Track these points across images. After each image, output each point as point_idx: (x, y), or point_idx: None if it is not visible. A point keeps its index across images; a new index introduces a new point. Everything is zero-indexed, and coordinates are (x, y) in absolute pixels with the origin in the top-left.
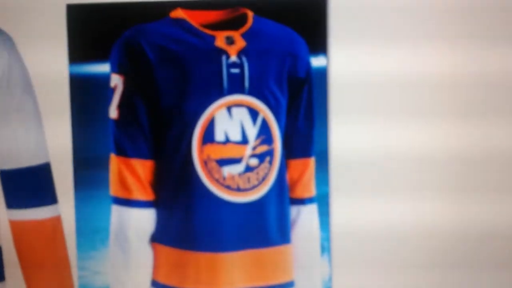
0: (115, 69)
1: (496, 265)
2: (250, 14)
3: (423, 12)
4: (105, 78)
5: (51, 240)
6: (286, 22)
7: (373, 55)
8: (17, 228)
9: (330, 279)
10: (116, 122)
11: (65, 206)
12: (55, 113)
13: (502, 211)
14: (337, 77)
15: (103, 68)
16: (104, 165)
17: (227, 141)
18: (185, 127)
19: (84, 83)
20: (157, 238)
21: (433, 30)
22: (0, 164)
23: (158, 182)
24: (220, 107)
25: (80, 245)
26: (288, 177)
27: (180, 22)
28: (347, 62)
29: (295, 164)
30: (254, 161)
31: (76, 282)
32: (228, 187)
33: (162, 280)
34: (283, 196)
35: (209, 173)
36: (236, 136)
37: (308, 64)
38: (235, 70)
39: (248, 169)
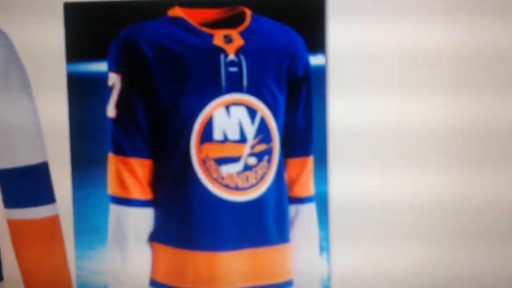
0: (113, 68)
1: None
2: (248, 13)
3: (422, 5)
4: (103, 77)
5: (49, 239)
6: (284, 20)
7: (372, 54)
8: (15, 227)
9: (328, 279)
10: (114, 121)
11: (63, 205)
12: (53, 112)
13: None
14: (335, 75)
15: (101, 67)
16: (102, 164)
17: (225, 140)
18: (183, 126)
19: (82, 82)
20: (155, 237)
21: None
22: None
23: (156, 181)
24: (218, 106)
25: (78, 244)
26: (286, 176)
27: (178, 20)
28: (345, 60)
29: (294, 163)
30: (252, 160)
31: (74, 281)
32: (226, 186)
33: (160, 279)
34: (282, 195)
35: (208, 172)
36: (234, 135)
37: (306, 62)
38: (233, 69)
39: (247, 168)
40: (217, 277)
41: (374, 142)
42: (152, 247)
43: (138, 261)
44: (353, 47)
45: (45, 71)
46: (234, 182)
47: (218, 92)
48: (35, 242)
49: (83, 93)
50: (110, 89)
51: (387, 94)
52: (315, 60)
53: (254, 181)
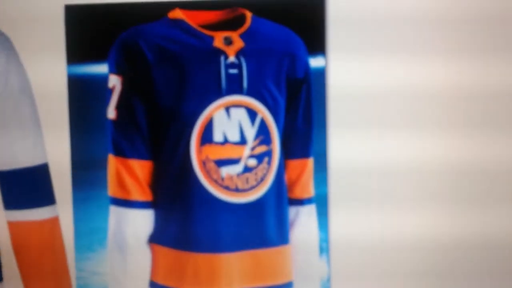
0: (113, 69)
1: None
2: (249, 15)
3: (423, 14)
4: (103, 79)
5: (49, 241)
6: (284, 22)
7: (371, 55)
8: (15, 229)
9: (328, 280)
10: (114, 122)
11: (63, 207)
12: (53, 114)
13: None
14: (335, 77)
15: (101, 68)
16: (102, 165)
17: (225, 141)
18: (183, 127)
19: (82, 84)
20: (155, 239)
21: (433, 37)
22: None
23: (156, 183)
24: (218, 107)
25: (78, 246)
26: (286, 177)
27: (178, 22)
28: (345, 62)
29: (294, 164)
30: (252, 162)
31: (74, 283)
32: (226, 188)
33: (160, 281)
34: (282, 196)
35: (208, 173)
36: (234, 136)
37: (306, 64)
38: (233, 71)
39: (247, 169)
40: (217, 278)
41: (374, 143)
42: (152, 249)
43: (138, 262)
44: (353, 49)
45: (46, 73)
46: (234, 184)
47: (218, 94)
48: (35, 244)
49: (83, 94)
50: (110, 91)
51: (388, 95)
52: (315, 62)
53: (254, 183)
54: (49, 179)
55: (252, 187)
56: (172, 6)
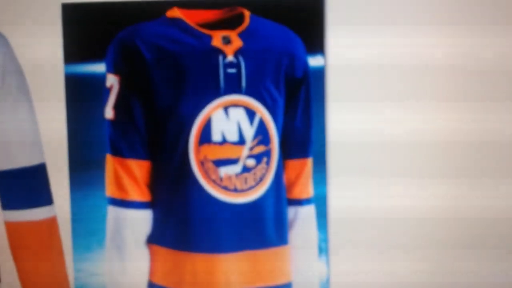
0: (111, 69)
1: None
2: (247, 14)
3: (423, 13)
4: (101, 78)
5: (47, 241)
6: (283, 21)
7: (370, 54)
8: (12, 229)
9: (327, 280)
10: (112, 122)
11: (61, 207)
12: (51, 113)
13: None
14: (334, 76)
15: (99, 68)
16: (100, 165)
17: (224, 141)
18: (181, 127)
19: (80, 83)
20: (153, 239)
21: (429, 27)
22: None
23: (155, 183)
24: (217, 107)
25: (76, 246)
26: (285, 177)
27: (177, 21)
28: (344, 61)
29: (293, 164)
30: (251, 162)
31: (72, 283)
32: (225, 188)
33: (158, 281)
34: (281, 197)
35: (206, 173)
36: (233, 136)
37: (305, 63)
38: (232, 70)
39: (245, 169)
40: (215, 279)
41: (374, 144)
42: (150, 249)
43: (136, 263)
44: (352, 48)
45: (43, 72)
46: (232, 184)
47: (217, 94)
48: (32, 244)
49: (81, 94)
50: (108, 90)
51: (387, 96)
52: (314, 61)
53: (252, 183)
54: (46, 179)
55: (251, 187)
56: (170, 5)
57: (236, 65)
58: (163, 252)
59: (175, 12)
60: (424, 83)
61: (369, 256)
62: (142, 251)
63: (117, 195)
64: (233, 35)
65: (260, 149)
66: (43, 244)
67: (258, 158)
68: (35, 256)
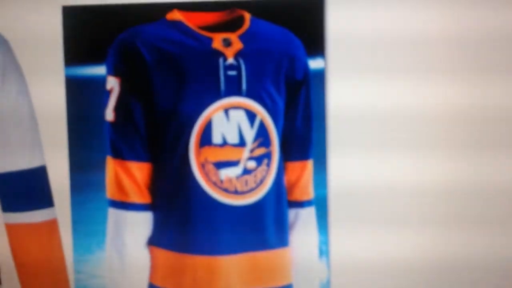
0: (111, 71)
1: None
2: (247, 16)
3: (423, 12)
4: (101, 81)
5: (47, 243)
6: (283, 23)
7: (371, 57)
8: (13, 231)
9: (328, 282)
10: (112, 124)
11: (61, 209)
12: (51, 116)
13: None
14: (335, 79)
15: (99, 70)
16: (100, 168)
17: (224, 143)
18: (182, 129)
19: (80, 86)
20: (154, 241)
21: (430, 30)
22: None
23: (155, 185)
24: (217, 109)
25: (76, 248)
26: (286, 179)
27: (177, 24)
28: (345, 64)
29: (293, 166)
30: (251, 164)
31: (72, 285)
32: (225, 190)
33: (159, 283)
34: (281, 199)
35: (207, 176)
36: (233, 138)
37: (305, 66)
38: (232, 72)
39: (246, 171)
40: (216, 281)
41: (374, 145)
42: (151, 251)
43: (137, 265)
44: (353, 51)
45: (43, 74)
46: (233, 186)
47: (217, 96)
48: (33, 246)
49: (81, 96)
50: (108, 93)
51: (388, 97)
52: (314, 63)
53: (253, 185)
54: (47, 181)
55: (252, 189)
56: (170, 7)
57: (237, 67)
58: (163, 254)
59: (175, 15)
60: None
61: (370, 257)
62: (143, 253)
63: (117, 197)
64: (233, 37)
65: (261, 151)
66: (44, 246)
67: (258, 160)
68: (35, 258)
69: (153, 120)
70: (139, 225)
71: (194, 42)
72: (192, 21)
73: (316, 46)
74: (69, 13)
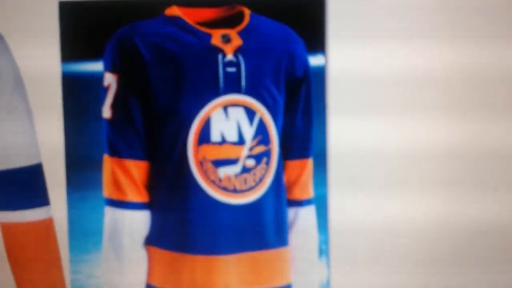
0: (109, 67)
1: (495, 262)
2: (247, 12)
3: (420, 10)
4: (99, 77)
5: (43, 242)
6: (283, 20)
7: (372, 53)
8: (7, 230)
9: (328, 282)
10: (109, 122)
11: (58, 208)
12: (47, 113)
13: (500, 207)
14: (335, 76)
15: (97, 66)
16: (97, 166)
17: (223, 141)
18: (180, 127)
19: (77, 82)
20: (151, 240)
21: (429, 29)
22: None
23: (153, 184)
24: (216, 106)
25: (73, 248)
26: (285, 178)
27: (176, 19)
28: (345, 61)
29: (293, 165)
30: (250, 162)
31: (69, 285)
32: (224, 189)
33: (156, 283)
34: (281, 197)
35: (205, 174)
36: (232, 136)
37: (306, 63)
38: (231, 69)
39: (245, 170)
40: (214, 281)
41: (375, 145)
42: (148, 251)
43: (134, 265)
44: (353, 47)
45: (40, 71)
46: (232, 185)
47: (216, 93)
48: (28, 246)
49: (78, 93)
50: (105, 90)
51: (388, 96)
52: (314, 60)
53: (252, 184)
54: (43, 179)
55: (251, 188)
56: (169, 3)
57: (236, 64)
58: (161, 253)
59: (174, 10)
60: (424, 88)
61: (370, 258)
62: (140, 252)
63: (114, 196)
64: (232, 33)
65: (260, 149)
66: (39, 246)
67: (257, 158)
68: (31, 257)
69: (151, 117)
70: (136, 224)
71: (193, 38)
72: (191, 17)
73: (317, 42)
74: (66, 8)
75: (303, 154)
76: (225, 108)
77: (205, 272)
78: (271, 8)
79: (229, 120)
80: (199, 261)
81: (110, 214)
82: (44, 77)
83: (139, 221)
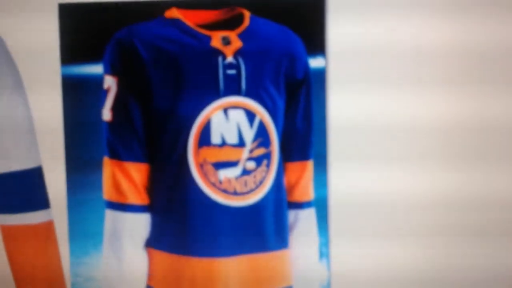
0: (109, 70)
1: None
2: (247, 14)
3: (424, 7)
4: (98, 80)
5: (43, 245)
6: (283, 22)
7: (372, 55)
8: (8, 233)
9: (328, 285)
10: (109, 124)
11: (58, 211)
12: (47, 115)
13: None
14: (335, 78)
15: (96, 69)
16: (97, 168)
17: (223, 144)
18: (180, 129)
19: (77, 85)
20: (152, 243)
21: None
22: None
23: (153, 186)
24: (216, 109)
25: (73, 251)
26: (285, 180)
27: (175, 22)
28: (346, 62)
29: (293, 167)
30: (251, 164)
31: (69, 287)
32: (224, 191)
33: (157, 286)
34: (281, 200)
35: (205, 176)
36: (232, 138)
37: (306, 65)
38: (231, 71)
39: (245, 172)
40: (215, 283)
41: (375, 145)
42: (149, 253)
43: (134, 267)
44: (354, 49)
45: (39, 73)
46: (232, 187)
47: (216, 95)
48: (29, 248)
49: (78, 96)
50: (105, 92)
51: (389, 96)
52: (315, 62)
53: (252, 186)
54: (43, 182)
55: (251, 190)
56: (168, 5)
57: (236, 66)
58: (161, 256)
59: (173, 13)
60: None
61: (371, 259)
62: (140, 255)
63: (114, 198)
64: (232, 35)
65: (260, 151)
66: (40, 249)
67: (258, 160)
68: (31, 260)
69: (151, 119)
70: (137, 227)
71: (192, 40)
72: (191, 19)
73: (317, 44)
74: (65, 10)
75: (303, 156)
76: (225, 110)
77: (206, 274)
78: (271, 10)
79: (229, 123)
80: (199, 263)
81: (110, 216)
82: (44, 79)
83: (139, 224)
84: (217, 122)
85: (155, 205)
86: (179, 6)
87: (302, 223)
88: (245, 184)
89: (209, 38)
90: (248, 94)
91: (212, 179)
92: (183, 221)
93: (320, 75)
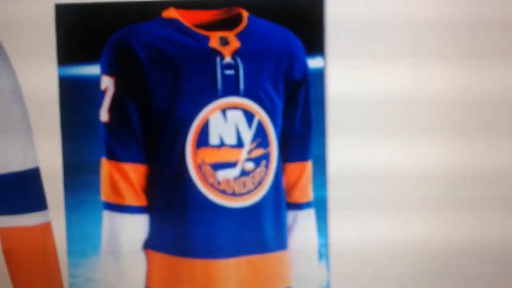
0: (106, 70)
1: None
2: (245, 14)
3: (423, 7)
4: (96, 80)
5: (41, 247)
6: (282, 22)
7: (371, 55)
8: (5, 235)
9: (328, 286)
10: (107, 125)
11: (55, 212)
12: (44, 117)
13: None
14: (334, 78)
15: (93, 70)
16: (95, 169)
17: (222, 144)
18: (178, 130)
19: (74, 86)
20: (150, 244)
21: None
22: None
23: (151, 187)
24: (214, 109)
25: (70, 252)
26: (284, 181)
27: (173, 22)
28: (345, 63)
29: (292, 167)
30: (249, 165)
31: None
32: (223, 192)
33: (155, 287)
34: (280, 200)
35: (204, 177)
36: (231, 139)
37: (304, 65)
38: (229, 72)
39: (244, 173)
40: (213, 285)
41: (375, 145)
42: (147, 255)
43: (133, 269)
44: (353, 49)
45: (36, 74)
46: (231, 188)
47: (214, 96)
48: (26, 250)
49: (75, 96)
50: (103, 93)
51: (388, 96)
52: (313, 62)
53: (251, 187)
54: (40, 183)
55: (250, 191)
56: (166, 5)
57: (234, 67)
58: (160, 257)
59: (171, 13)
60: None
61: (369, 260)
62: (139, 256)
63: (112, 199)
64: (230, 36)
65: (259, 152)
66: (37, 250)
67: (256, 161)
68: (29, 262)
69: (149, 120)
70: (135, 228)
71: (190, 40)
72: (189, 19)
73: (316, 44)
74: (62, 11)
75: (302, 156)
76: (223, 111)
77: (204, 276)
78: (269, 10)
79: (228, 123)
80: (198, 264)
81: (108, 218)
82: (41, 80)
83: (137, 225)
84: (215, 123)
85: (153, 206)
86: (177, 6)
87: (301, 224)
88: (244, 185)
89: (207, 38)
90: (247, 94)
91: (211, 180)
92: (182, 222)
93: (319, 75)
